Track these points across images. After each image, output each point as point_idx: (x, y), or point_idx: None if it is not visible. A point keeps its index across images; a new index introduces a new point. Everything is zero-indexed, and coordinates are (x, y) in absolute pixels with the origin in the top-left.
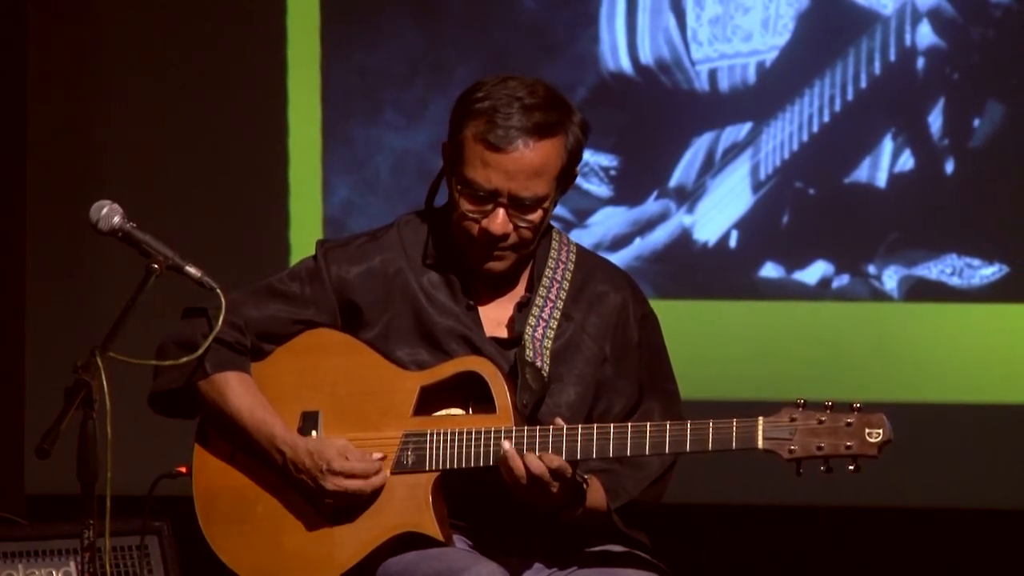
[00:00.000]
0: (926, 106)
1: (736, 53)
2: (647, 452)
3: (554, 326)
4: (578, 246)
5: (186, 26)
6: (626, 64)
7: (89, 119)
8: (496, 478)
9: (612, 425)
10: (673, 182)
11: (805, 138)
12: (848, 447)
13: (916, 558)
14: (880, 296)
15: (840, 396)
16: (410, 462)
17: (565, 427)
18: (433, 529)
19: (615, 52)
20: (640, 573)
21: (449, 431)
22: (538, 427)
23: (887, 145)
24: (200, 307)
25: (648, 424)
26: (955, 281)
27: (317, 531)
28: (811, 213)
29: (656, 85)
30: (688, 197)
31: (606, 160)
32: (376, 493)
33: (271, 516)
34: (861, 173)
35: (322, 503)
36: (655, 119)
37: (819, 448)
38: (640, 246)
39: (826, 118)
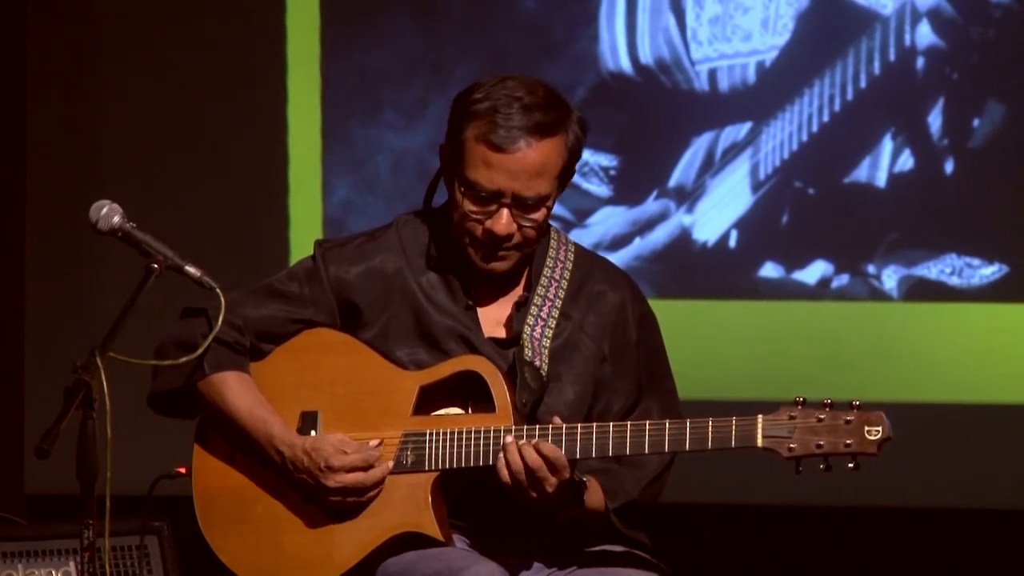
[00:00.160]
0: (926, 106)
1: (736, 53)
2: (646, 451)
3: (552, 325)
4: (577, 245)
5: (186, 26)
6: (626, 64)
7: (89, 119)
8: (495, 478)
9: (611, 424)
10: (673, 182)
11: (805, 138)
12: (848, 445)
13: (916, 558)
14: (880, 296)
15: (840, 396)
16: (409, 462)
17: (564, 426)
18: (433, 529)
19: (615, 52)
20: (640, 573)
21: (448, 431)
22: (537, 426)
23: (887, 145)
24: (199, 307)
25: (647, 423)
26: (955, 281)
27: (317, 531)
28: (811, 213)
29: (656, 85)
30: (688, 197)
31: (606, 160)
32: (376, 493)
33: (270, 516)
34: (861, 173)
35: (323, 502)
36: (655, 119)
37: (818, 446)
38: (640, 246)
39: (826, 118)
